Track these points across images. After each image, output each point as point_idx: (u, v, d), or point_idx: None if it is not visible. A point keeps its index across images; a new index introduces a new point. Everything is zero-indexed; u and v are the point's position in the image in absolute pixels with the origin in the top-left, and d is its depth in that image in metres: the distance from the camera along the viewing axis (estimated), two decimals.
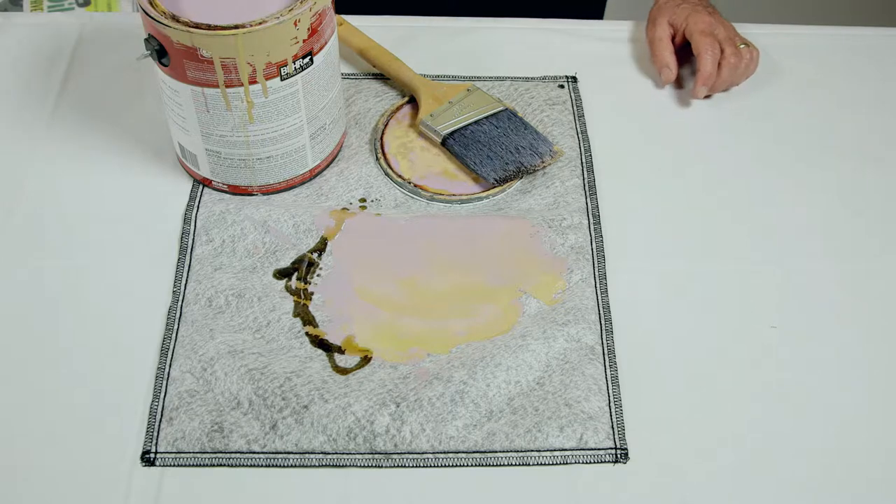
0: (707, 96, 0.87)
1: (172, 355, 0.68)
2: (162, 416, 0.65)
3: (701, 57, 0.85)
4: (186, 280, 0.73)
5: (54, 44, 0.90)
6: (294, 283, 0.73)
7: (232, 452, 0.64)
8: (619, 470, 0.65)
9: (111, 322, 0.70)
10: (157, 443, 0.64)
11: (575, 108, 0.86)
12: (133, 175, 0.80)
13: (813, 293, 0.74)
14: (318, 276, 0.73)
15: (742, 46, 0.86)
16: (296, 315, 0.71)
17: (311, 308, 0.71)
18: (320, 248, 0.75)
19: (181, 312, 0.71)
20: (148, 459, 0.64)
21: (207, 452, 0.64)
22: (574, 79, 0.89)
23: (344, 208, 0.78)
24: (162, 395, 0.66)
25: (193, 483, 0.63)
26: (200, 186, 0.78)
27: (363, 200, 0.78)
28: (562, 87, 0.88)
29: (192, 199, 0.78)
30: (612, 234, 0.77)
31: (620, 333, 0.71)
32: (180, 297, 0.72)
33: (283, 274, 0.73)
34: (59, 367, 0.68)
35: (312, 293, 0.72)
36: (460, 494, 0.63)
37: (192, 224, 0.76)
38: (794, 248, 0.77)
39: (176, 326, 0.70)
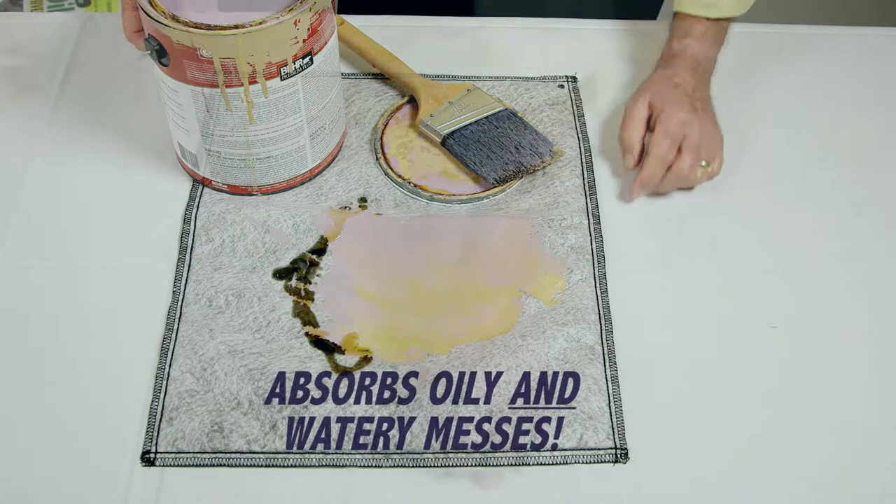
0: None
1: (172, 355, 0.68)
2: (162, 416, 0.65)
3: (647, 158, 0.78)
4: (186, 280, 0.73)
5: (54, 44, 0.90)
6: (294, 282, 0.73)
7: (232, 452, 0.64)
8: (619, 470, 0.65)
9: (111, 322, 0.70)
10: (156, 443, 0.64)
11: (575, 108, 0.86)
12: (133, 175, 0.80)
13: (813, 293, 0.74)
14: (318, 276, 0.73)
15: (703, 165, 0.78)
16: (296, 315, 0.71)
17: (310, 308, 0.71)
18: (320, 247, 0.75)
19: (181, 312, 0.71)
20: (148, 459, 0.64)
21: (207, 452, 0.64)
22: (574, 79, 0.89)
23: (344, 207, 0.78)
24: (162, 394, 0.66)
25: (193, 483, 0.63)
26: (200, 186, 0.78)
27: (363, 200, 0.78)
28: (562, 87, 0.88)
29: (191, 198, 0.78)
30: (612, 234, 0.77)
31: (620, 333, 0.71)
32: (180, 297, 0.72)
33: (282, 274, 0.73)
34: (58, 366, 0.68)
35: (313, 293, 0.72)
36: (460, 494, 0.63)
37: (192, 224, 0.76)
38: (794, 248, 0.77)
39: (176, 326, 0.70)
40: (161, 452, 0.64)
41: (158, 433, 0.65)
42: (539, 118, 0.85)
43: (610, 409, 0.67)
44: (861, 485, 0.65)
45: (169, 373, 0.67)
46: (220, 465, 0.64)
